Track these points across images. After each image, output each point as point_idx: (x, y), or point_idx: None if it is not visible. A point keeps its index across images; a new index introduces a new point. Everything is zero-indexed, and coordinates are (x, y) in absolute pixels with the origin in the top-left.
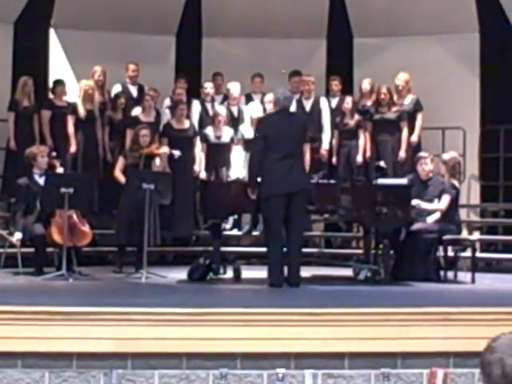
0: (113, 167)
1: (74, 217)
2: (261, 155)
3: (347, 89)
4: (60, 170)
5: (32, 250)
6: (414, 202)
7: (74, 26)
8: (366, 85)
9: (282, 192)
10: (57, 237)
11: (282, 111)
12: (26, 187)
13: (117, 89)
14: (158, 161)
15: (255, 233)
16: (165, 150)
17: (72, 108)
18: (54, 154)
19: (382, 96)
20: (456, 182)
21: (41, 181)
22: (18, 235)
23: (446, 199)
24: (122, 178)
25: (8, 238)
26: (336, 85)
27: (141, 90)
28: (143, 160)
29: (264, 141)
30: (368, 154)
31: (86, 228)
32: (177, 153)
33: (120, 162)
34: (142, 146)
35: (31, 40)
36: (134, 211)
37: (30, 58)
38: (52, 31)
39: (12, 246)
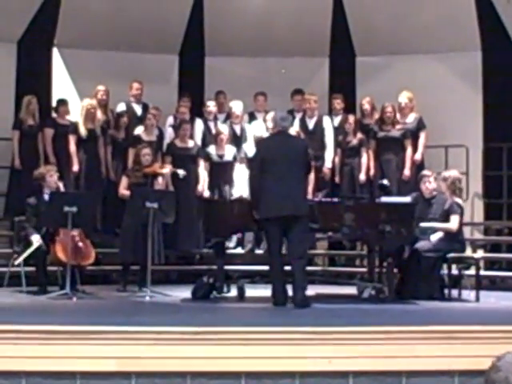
0: (116, 186)
1: (77, 237)
2: (259, 177)
3: (350, 107)
4: (62, 190)
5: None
6: (425, 224)
7: (77, 46)
8: (366, 105)
9: (275, 215)
10: (61, 255)
11: (280, 133)
12: (35, 206)
13: (121, 107)
14: (160, 180)
15: (258, 251)
16: (168, 169)
17: (73, 127)
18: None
19: (388, 114)
20: (459, 200)
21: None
22: (36, 237)
23: (455, 219)
24: (128, 193)
25: (31, 242)
26: (338, 103)
27: (145, 108)
28: (146, 179)
29: (261, 163)
30: (372, 172)
31: (89, 249)
32: (182, 172)
33: (124, 181)
34: (143, 166)
35: (34, 59)
36: (137, 230)
37: (34, 77)
38: (55, 50)
39: (15, 265)
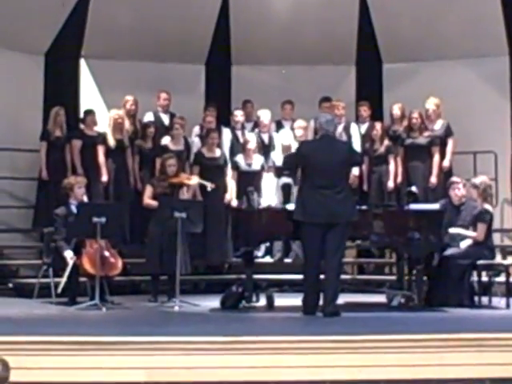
0: (142, 196)
1: (104, 248)
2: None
3: (377, 114)
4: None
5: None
6: (452, 230)
7: (104, 56)
8: (396, 110)
9: (316, 221)
10: (88, 267)
11: (324, 137)
12: (64, 217)
13: (149, 117)
14: (185, 190)
15: (287, 260)
16: (195, 181)
17: (102, 138)
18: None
19: (414, 121)
20: (489, 206)
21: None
22: (69, 253)
23: (481, 228)
24: (153, 203)
25: (67, 260)
26: (365, 110)
27: (172, 118)
28: (172, 189)
29: (297, 162)
30: (399, 179)
31: (116, 259)
32: (210, 185)
33: (148, 191)
34: (169, 176)
35: (62, 71)
36: (163, 240)
37: (61, 89)
38: (82, 61)
39: (45, 276)
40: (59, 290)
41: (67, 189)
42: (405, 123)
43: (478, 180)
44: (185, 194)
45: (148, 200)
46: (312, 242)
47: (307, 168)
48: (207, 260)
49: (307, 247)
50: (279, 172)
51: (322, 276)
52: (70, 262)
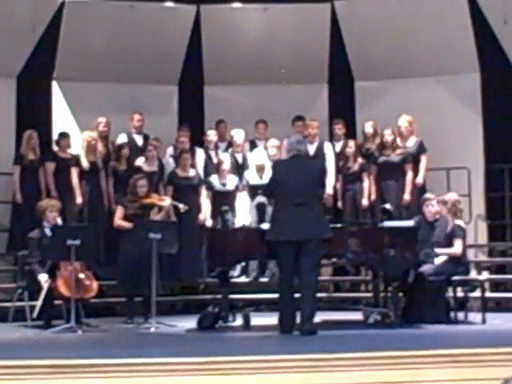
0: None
1: (78, 270)
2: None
3: (350, 132)
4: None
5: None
6: (430, 250)
7: (77, 79)
8: (368, 128)
9: (286, 238)
10: (63, 290)
11: (296, 157)
12: (38, 240)
13: (122, 139)
14: (156, 210)
15: (263, 279)
16: (167, 202)
17: (75, 160)
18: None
19: (386, 138)
20: (461, 222)
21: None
22: (43, 277)
23: (458, 243)
24: (125, 223)
25: (39, 283)
26: (339, 128)
27: (146, 139)
28: (143, 210)
29: (275, 187)
30: (373, 197)
31: (91, 281)
32: (182, 206)
33: (119, 212)
34: (140, 196)
35: (34, 93)
36: (136, 261)
37: (34, 111)
38: (55, 84)
39: (20, 299)
40: (35, 314)
41: (40, 212)
42: (377, 141)
43: (446, 197)
44: (156, 216)
45: (119, 221)
46: (286, 261)
47: (280, 187)
48: (181, 280)
49: (281, 266)
50: (253, 191)
51: (297, 294)
52: (45, 286)
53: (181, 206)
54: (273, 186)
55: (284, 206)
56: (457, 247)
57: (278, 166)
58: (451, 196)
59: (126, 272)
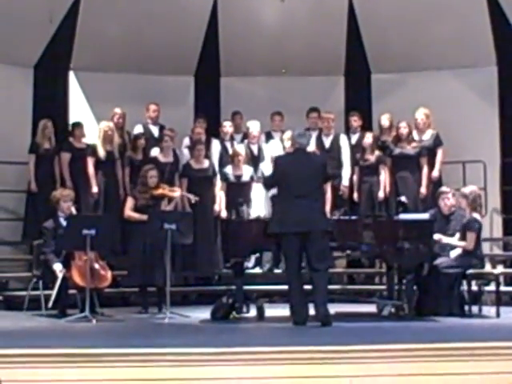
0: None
1: (93, 260)
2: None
3: (366, 125)
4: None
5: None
6: (436, 236)
7: (93, 69)
8: (384, 121)
9: (290, 230)
10: (78, 279)
11: (297, 150)
12: (53, 230)
13: (138, 129)
14: (166, 202)
15: (277, 271)
16: (178, 193)
17: (92, 149)
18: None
19: (402, 131)
20: (478, 216)
21: (65, 224)
22: (58, 266)
23: (471, 237)
24: (135, 215)
25: (56, 273)
26: (355, 120)
27: (162, 130)
28: (154, 201)
29: (277, 181)
30: (388, 189)
31: (105, 271)
32: (193, 197)
33: (129, 203)
34: (150, 187)
35: (51, 83)
36: (148, 252)
37: (50, 101)
38: (71, 74)
39: (35, 288)
40: (50, 303)
41: (54, 202)
42: (393, 133)
43: (467, 190)
44: (167, 207)
45: (129, 212)
46: (291, 253)
47: (283, 181)
48: (197, 271)
49: (287, 258)
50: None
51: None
52: (60, 275)
53: (192, 197)
54: (273, 179)
55: (285, 198)
56: (469, 241)
57: (280, 159)
58: (472, 189)
59: (137, 263)
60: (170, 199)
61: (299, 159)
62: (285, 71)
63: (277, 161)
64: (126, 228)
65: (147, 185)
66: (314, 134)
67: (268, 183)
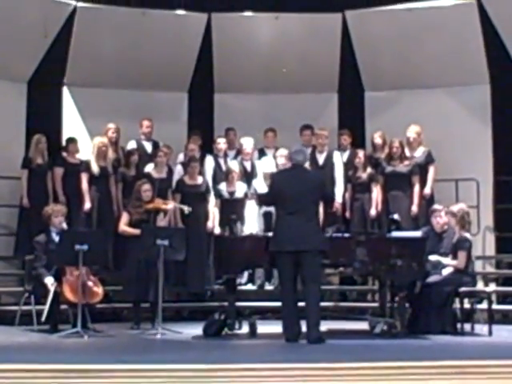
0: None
1: (84, 275)
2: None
3: (359, 142)
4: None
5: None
6: (432, 257)
7: (87, 84)
8: (377, 138)
9: (286, 249)
10: (69, 295)
11: (295, 167)
12: (45, 244)
13: (131, 145)
14: (162, 216)
15: (269, 287)
16: (171, 205)
17: (85, 165)
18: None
19: (394, 150)
20: (467, 234)
21: (57, 239)
22: (50, 280)
23: (462, 256)
24: (130, 229)
25: (46, 286)
26: (345, 139)
27: (155, 146)
28: (148, 215)
29: (273, 198)
30: (380, 207)
31: (97, 286)
32: (186, 208)
33: (124, 217)
34: (145, 201)
35: (44, 98)
36: (142, 267)
37: (44, 116)
38: (65, 89)
39: (27, 303)
40: (43, 318)
41: (46, 217)
42: (386, 151)
43: (455, 208)
44: (162, 221)
45: (124, 227)
46: (285, 271)
47: (279, 197)
48: (188, 287)
49: (281, 275)
50: (260, 203)
51: (300, 303)
52: (52, 289)
53: (185, 208)
54: (270, 196)
55: (281, 215)
56: (460, 260)
57: (277, 176)
58: (461, 207)
59: (131, 278)
60: (165, 212)
61: (296, 176)
62: (285, 70)
63: (273, 177)
64: (121, 243)
65: (141, 199)
66: (308, 151)
67: (263, 200)
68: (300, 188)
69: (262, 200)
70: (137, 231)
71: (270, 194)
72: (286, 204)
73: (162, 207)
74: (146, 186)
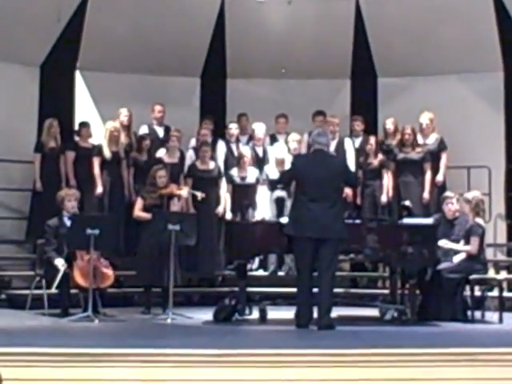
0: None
1: (95, 260)
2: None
3: (372, 128)
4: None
5: (57, 291)
6: (442, 242)
7: (100, 69)
8: (389, 125)
9: (307, 235)
10: (80, 279)
11: (317, 151)
12: (55, 228)
13: (143, 130)
14: (176, 201)
15: (281, 273)
16: (185, 191)
17: (97, 149)
18: None
19: (407, 136)
20: (481, 221)
21: (69, 223)
22: (60, 261)
23: (474, 241)
24: (144, 215)
25: (56, 267)
26: (358, 125)
27: (167, 130)
28: (163, 200)
29: (290, 179)
30: (391, 193)
31: (108, 270)
32: (199, 194)
33: (139, 203)
34: (159, 187)
35: (57, 82)
36: (156, 252)
37: (56, 100)
38: (78, 73)
39: (38, 287)
40: (53, 288)
41: (59, 201)
42: (398, 137)
43: (470, 195)
44: (176, 206)
45: (138, 212)
46: (304, 256)
47: (300, 182)
48: (199, 272)
49: (299, 261)
50: (273, 185)
51: (314, 289)
52: (62, 269)
53: (198, 194)
54: (285, 177)
55: (303, 201)
56: (472, 245)
57: (299, 159)
58: (475, 195)
59: (145, 263)
60: (179, 198)
61: (318, 161)
62: (284, 71)
63: (295, 160)
64: (134, 228)
65: (156, 184)
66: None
67: (281, 179)
68: (323, 174)
69: (278, 180)
70: (150, 216)
71: (286, 174)
72: (307, 189)
73: (176, 193)
74: (162, 172)
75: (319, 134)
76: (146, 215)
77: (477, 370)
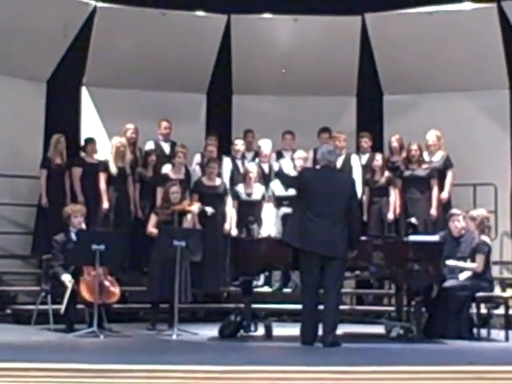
0: (144, 224)
1: (101, 275)
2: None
3: (377, 145)
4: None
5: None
6: (450, 262)
7: (106, 84)
8: (394, 142)
9: (311, 249)
10: (86, 295)
11: (325, 167)
12: (63, 244)
13: (149, 146)
14: (189, 217)
15: (286, 290)
16: (196, 207)
17: (104, 165)
18: None
19: (413, 153)
20: (487, 238)
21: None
22: (67, 277)
23: (480, 259)
24: (155, 231)
25: (64, 283)
26: (366, 142)
27: (173, 146)
28: (175, 217)
29: (298, 189)
30: (398, 210)
31: (114, 287)
32: (210, 210)
33: (152, 220)
34: (173, 203)
35: (63, 98)
36: (165, 268)
37: (63, 116)
38: (84, 89)
39: (43, 302)
40: (62, 310)
41: (65, 217)
42: (403, 154)
43: (475, 212)
44: (188, 222)
45: (151, 228)
46: (310, 273)
47: (306, 195)
48: (204, 288)
49: (305, 277)
50: (279, 202)
51: (320, 306)
52: (69, 285)
53: (208, 209)
54: (293, 184)
55: (309, 215)
56: (478, 263)
57: (306, 172)
58: (481, 212)
59: (154, 279)
60: (190, 213)
61: (325, 177)
62: (284, 71)
63: (302, 172)
64: (142, 244)
65: (169, 201)
66: None
67: (289, 183)
68: (330, 190)
69: (286, 182)
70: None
71: (294, 180)
72: (313, 204)
73: (187, 209)
74: (175, 188)
75: (330, 151)
76: (157, 231)
77: None
